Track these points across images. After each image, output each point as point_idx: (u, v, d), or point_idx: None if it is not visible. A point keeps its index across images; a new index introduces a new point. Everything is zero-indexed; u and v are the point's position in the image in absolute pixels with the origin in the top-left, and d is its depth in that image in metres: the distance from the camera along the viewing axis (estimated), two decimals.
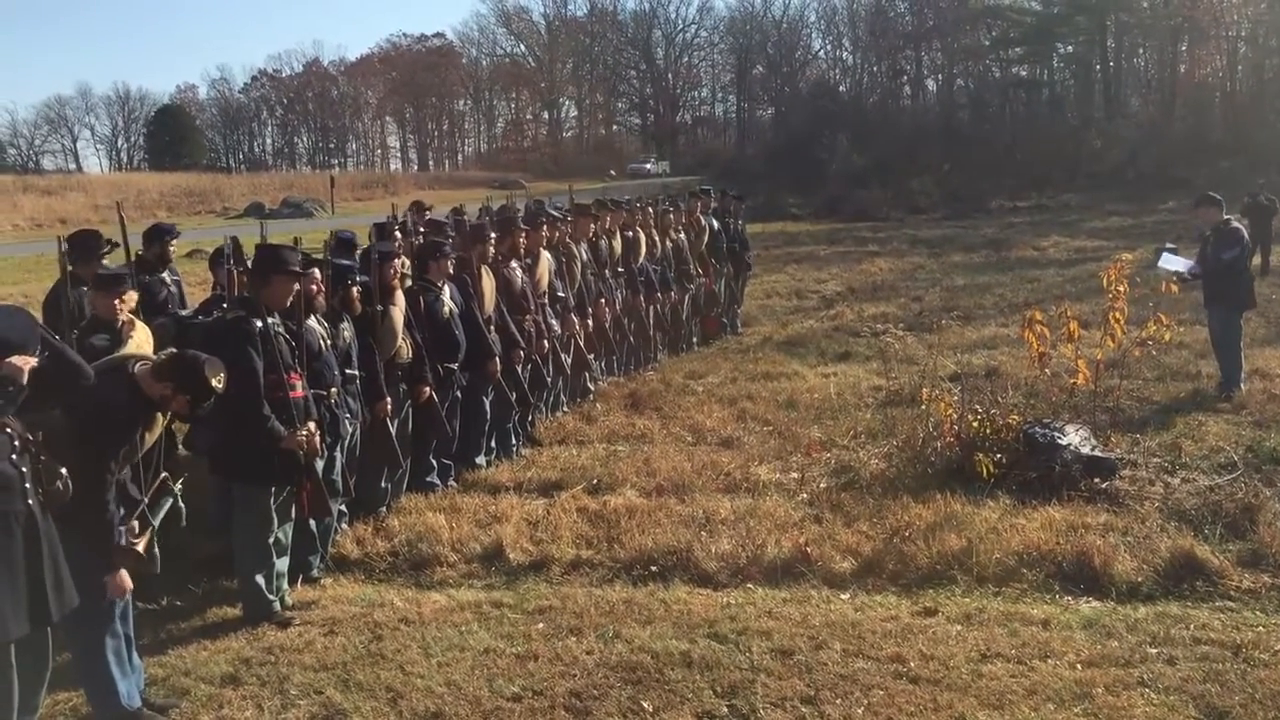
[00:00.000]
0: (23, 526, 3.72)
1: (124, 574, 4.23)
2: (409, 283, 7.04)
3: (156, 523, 4.44)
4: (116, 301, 5.26)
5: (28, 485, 3.74)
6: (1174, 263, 9.71)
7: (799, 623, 5.23)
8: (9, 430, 3.72)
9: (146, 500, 4.47)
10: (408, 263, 7.15)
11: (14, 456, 3.71)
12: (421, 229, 8.82)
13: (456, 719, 4.44)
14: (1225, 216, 9.70)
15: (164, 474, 4.67)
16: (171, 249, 7.88)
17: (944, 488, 6.82)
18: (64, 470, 3.86)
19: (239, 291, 5.87)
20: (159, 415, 4.39)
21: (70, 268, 6.64)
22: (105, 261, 6.87)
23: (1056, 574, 5.71)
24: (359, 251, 7.23)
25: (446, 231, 8.30)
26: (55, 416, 4.09)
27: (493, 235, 8.20)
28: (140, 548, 4.29)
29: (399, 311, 6.66)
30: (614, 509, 6.83)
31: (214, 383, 4.27)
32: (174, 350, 4.57)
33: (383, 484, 6.84)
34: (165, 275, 7.61)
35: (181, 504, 4.68)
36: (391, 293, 6.66)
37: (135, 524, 4.34)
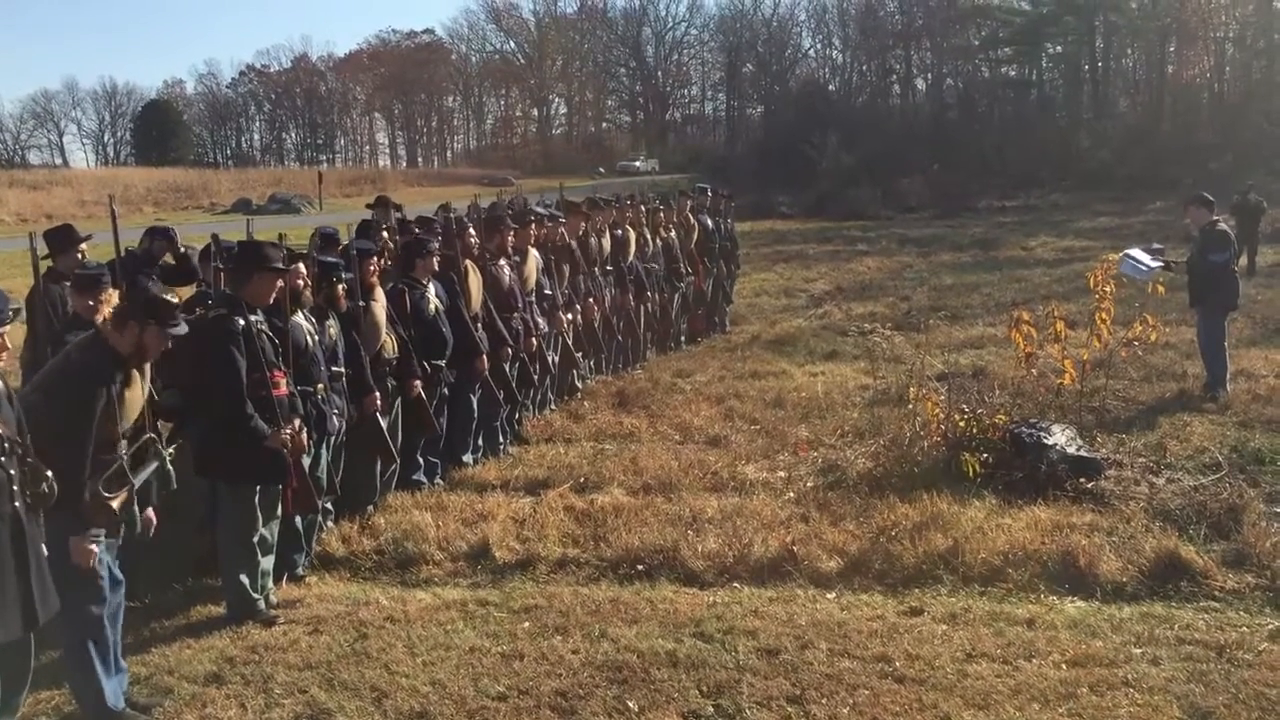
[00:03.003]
0: (9, 529, 3.67)
1: (91, 545, 4.07)
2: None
3: (138, 482, 4.36)
4: (95, 301, 5.21)
5: (15, 488, 3.68)
6: (1141, 260, 9.34)
7: (785, 622, 5.23)
8: None
9: (126, 456, 4.38)
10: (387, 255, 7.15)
11: (2, 459, 3.65)
12: (407, 224, 8.79)
13: (442, 718, 4.42)
14: (1214, 218, 9.73)
15: (150, 435, 4.60)
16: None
17: (930, 487, 6.83)
18: (50, 473, 3.79)
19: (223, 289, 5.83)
20: (136, 373, 4.33)
21: (51, 264, 6.67)
22: (85, 251, 6.87)
23: (1042, 574, 5.71)
24: (341, 248, 7.19)
25: (435, 229, 8.28)
26: (39, 405, 4.04)
27: (471, 230, 8.19)
28: (116, 505, 4.19)
29: (380, 307, 6.65)
30: (601, 508, 6.82)
31: (167, 296, 4.22)
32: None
33: (374, 479, 6.79)
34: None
35: (171, 467, 4.59)
36: (371, 289, 6.65)
37: (116, 483, 4.27)
